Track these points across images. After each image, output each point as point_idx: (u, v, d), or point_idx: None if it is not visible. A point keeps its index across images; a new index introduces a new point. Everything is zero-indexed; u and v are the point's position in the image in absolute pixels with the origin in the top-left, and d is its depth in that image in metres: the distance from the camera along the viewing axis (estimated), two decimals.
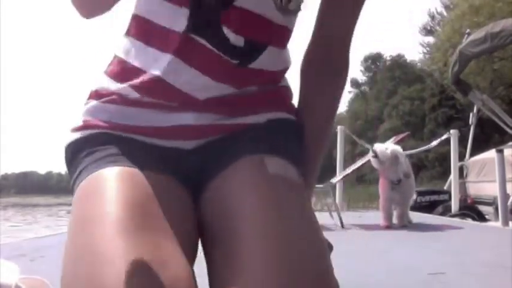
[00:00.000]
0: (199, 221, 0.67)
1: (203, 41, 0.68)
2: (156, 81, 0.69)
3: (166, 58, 0.69)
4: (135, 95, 0.71)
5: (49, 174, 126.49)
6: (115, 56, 0.77)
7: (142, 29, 0.73)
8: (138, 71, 0.71)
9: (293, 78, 0.83)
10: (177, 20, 0.68)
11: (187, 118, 0.71)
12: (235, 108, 0.73)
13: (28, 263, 1.90)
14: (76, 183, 0.67)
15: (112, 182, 0.61)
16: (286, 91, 0.80)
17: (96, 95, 0.74)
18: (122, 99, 0.72)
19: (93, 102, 0.74)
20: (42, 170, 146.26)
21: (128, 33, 0.76)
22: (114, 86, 0.73)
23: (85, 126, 0.72)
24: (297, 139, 0.76)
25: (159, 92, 0.70)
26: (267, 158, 0.67)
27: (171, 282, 0.51)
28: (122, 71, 0.74)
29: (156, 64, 0.70)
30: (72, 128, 0.74)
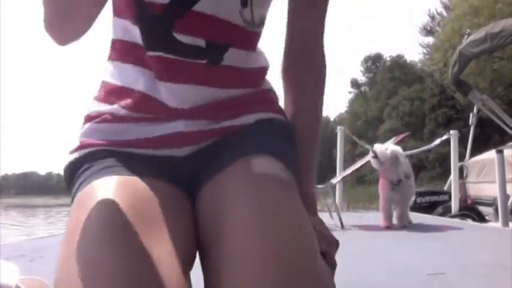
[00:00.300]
0: (195, 225, 0.67)
1: (162, 53, 0.70)
2: (140, 97, 0.73)
3: (144, 74, 0.73)
4: (124, 112, 0.73)
5: (49, 175, 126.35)
6: (102, 81, 0.80)
7: (120, 51, 0.77)
8: (123, 90, 0.75)
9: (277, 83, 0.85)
10: (139, 37, 0.72)
11: (178, 126, 0.72)
12: (223, 112, 0.74)
13: (28, 263, 1.90)
14: (74, 197, 0.68)
15: (104, 190, 0.62)
16: (270, 93, 0.82)
17: (89, 118, 0.77)
18: (113, 118, 0.74)
19: (87, 125, 0.76)
20: (42, 171, 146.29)
21: (110, 57, 0.79)
22: (104, 107, 0.76)
23: (81, 146, 0.75)
24: (285, 138, 0.77)
25: (145, 106, 0.73)
26: (257, 158, 0.68)
27: (162, 282, 0.51)
28: (109, 92, 0.77)
29: (138, 81, 0.73)
30: (69, 151, 0.77)
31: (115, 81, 0.76)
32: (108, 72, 0.79)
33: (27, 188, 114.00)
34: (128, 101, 0.73)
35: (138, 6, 0.70)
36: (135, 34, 0.72)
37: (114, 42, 0.78)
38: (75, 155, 0.74)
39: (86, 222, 0.58)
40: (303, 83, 0.82)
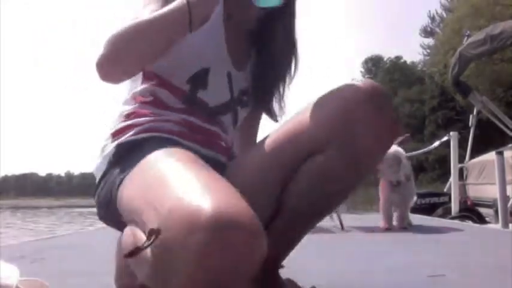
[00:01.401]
0: None
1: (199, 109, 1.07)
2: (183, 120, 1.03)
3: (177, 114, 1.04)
4: (180, 119, 1.02)
5: (49, 176, 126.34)
6: (131, 113, 1.04)
7: (151, 101, 1.04)
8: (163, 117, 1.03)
9: None
10: (175, 102, 1.05)
11: (222, 142, 1.09)
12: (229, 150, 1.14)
13: (28, 265, 1.90)
14: (142, 157, 0.87)
15: (175, 150, 0.87)
16: None
17: (140, 124, 1.00)
18: (171, 121, 1.00)
19: (151, 123, 1.00)
20: (42, 172, 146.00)
21: (136, 101, 1.05)
22: (159, 116, 1.01)
23: (148, 130, 0.97)
24: None
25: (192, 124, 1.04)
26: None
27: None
28: (148, 113, 1.03)
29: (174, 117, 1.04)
30: (131, 133, 0.97)
31: (152, 110, 1.03)
32: (138, 106, 1.04)
33: (27, 189, 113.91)
34: (182, 120, 1.04)
35: (190, 98, 1.04)
36: (169, 97, 1.04)
37: (142, 96, 1.04)
38: (143, 135, 0.96)
39: (162, 159, 0.83)
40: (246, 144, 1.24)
